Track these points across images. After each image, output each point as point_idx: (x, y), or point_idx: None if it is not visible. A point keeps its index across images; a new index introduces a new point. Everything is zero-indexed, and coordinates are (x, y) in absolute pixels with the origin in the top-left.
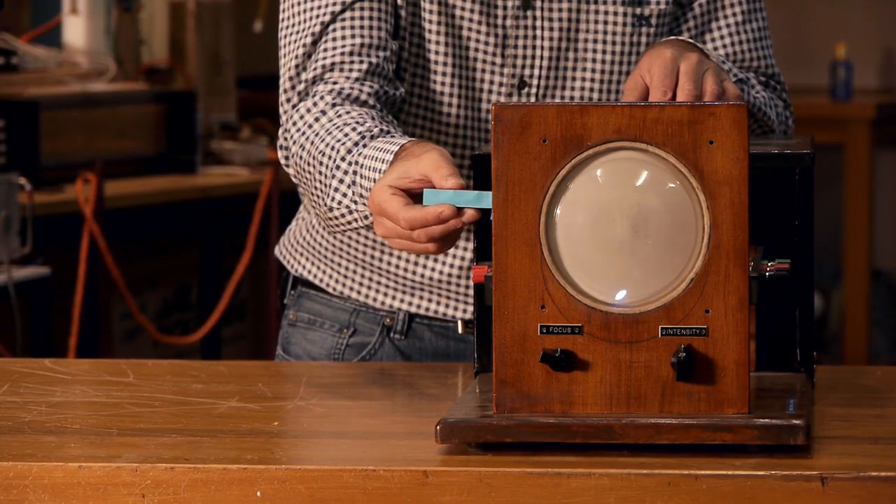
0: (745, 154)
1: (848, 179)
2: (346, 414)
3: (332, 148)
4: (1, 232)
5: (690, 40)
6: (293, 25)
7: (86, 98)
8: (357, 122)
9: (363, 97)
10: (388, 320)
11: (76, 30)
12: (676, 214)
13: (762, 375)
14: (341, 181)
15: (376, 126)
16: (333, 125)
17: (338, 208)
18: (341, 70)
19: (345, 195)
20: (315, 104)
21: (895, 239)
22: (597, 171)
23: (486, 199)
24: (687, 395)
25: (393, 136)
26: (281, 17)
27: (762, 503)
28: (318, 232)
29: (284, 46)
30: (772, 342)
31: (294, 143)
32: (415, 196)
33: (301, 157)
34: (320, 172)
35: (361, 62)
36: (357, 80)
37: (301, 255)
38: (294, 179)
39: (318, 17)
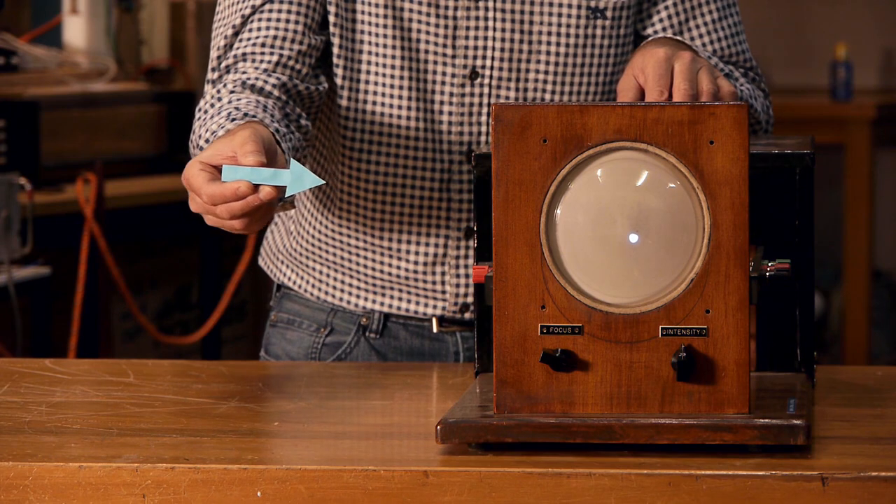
0: (745, 154)
1: (848, 179)
2: (346, 414)
3: (208, 130)
4: (1, 232)
5: (679, 38)
6: (221, 20)
7: (86, 98)
8: (236, 109)
9: (268, 88)
10: (364, 320)
11: (76, 30)
12: (677, 214)
13: (762, 375)
14: None
15: (243, 112)
16: (218, 111)
17: None
18: (253, 61)
19: None
20: (219, 91)
21: (895, 239)
22: (597, 172)
23: (282, 177)
24: (687, 395)
25: (251, 120)
26: (216, 10)
27: (762, 503)
28: (292, 237)
29: (213, 39)
30: (772, 342)
31: (192, 128)
32: None
33: (191, 141)
34: (196, 156)
35: (272, 54)
36: (265, 71)
37: (281, 262)
38: None
39: (240, 10)
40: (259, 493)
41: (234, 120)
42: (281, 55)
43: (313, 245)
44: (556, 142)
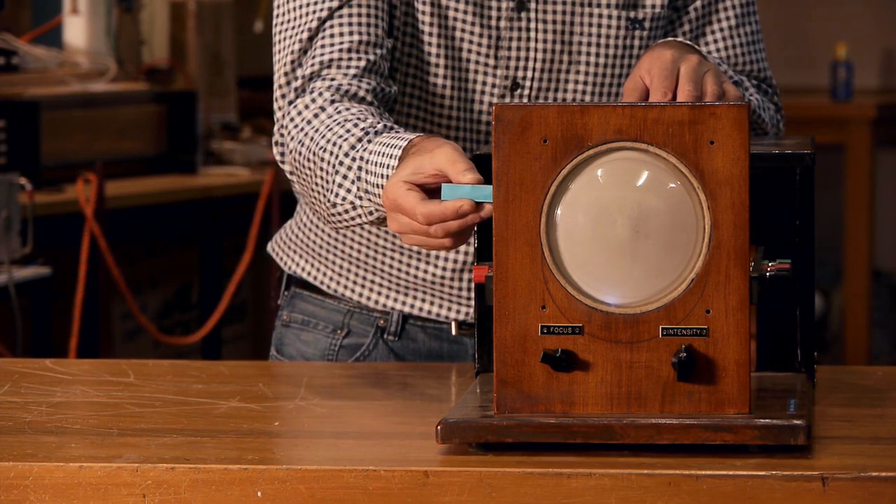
0: (745, 154)
1: (848, 179)
2: (346, 414)
3: (335, 144)
4: (1, 232)
5: (689, 42)
6: (288, 21)
7: (86, 98)
8: (358, 119)
9: (361, 94)
10: (381, 321)
11: (77, 30)
12: (677, 215)
13: (763, 376)
14: (345, 177)
15: (378, 122)
16: (334, 121)
17: (341, 204)
18: (339, 67)
19: (349, 191)
20: (313, 100)
21: (895, 239)
22: (597, 172)
23: None
24: (687, 395)
25: (398, 133)
26: (275, 13)
27: (762, 503)
28: (312, 230)
29: (279, 42)
30: (772, 342)
31: (292, 139)
32: (428, 191)
33: (300, 154)
34: (321, 169)
35: (359, 59)
36: (355, 76)
37: (295, 252)
38: (290, 176)
39: (314, 12)
40: (259, 493)
41: (377, 132)
42: (368, 60)
43: (336, 240)
44: (556, 142)
